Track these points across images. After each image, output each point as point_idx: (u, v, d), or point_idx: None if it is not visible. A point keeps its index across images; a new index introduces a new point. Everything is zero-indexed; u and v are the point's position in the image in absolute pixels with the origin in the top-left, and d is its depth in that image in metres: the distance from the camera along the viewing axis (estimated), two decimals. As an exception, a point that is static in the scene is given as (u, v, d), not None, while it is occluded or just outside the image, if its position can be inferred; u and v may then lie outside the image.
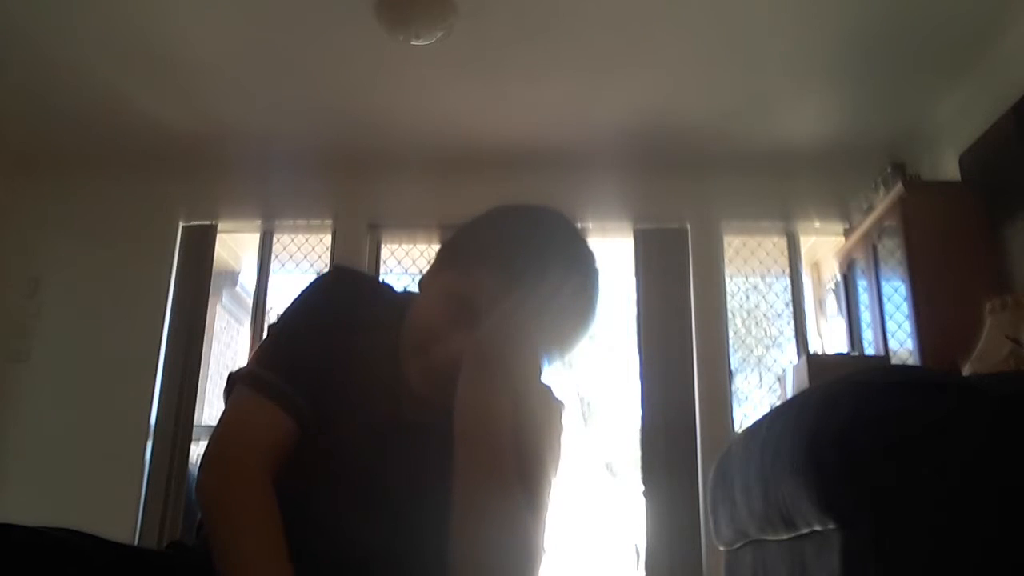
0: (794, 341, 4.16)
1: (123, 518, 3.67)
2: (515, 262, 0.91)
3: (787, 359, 4.19)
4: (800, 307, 4.22)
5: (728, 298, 4.11)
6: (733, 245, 4.32)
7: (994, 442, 1.02)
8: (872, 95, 3.59)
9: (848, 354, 3.62)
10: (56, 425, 3.86)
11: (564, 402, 1.07)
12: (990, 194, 3.19)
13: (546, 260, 0.92)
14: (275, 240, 4.38)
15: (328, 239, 4.29)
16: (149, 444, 3.85)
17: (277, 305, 4.29)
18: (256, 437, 0.89)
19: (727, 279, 4.15)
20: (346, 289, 1.02)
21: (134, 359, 3.97)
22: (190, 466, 3.85)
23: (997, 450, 1.02)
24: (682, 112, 3.76)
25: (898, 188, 3.32)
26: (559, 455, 1.03)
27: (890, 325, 3.33)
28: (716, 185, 4.15)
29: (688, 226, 4.17)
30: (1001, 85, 3.14)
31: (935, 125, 3.71)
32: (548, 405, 1.04)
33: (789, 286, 4.26)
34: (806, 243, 4.38)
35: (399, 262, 4.38)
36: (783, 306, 4.30)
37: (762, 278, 4.43)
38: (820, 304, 4.55)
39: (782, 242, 4.32)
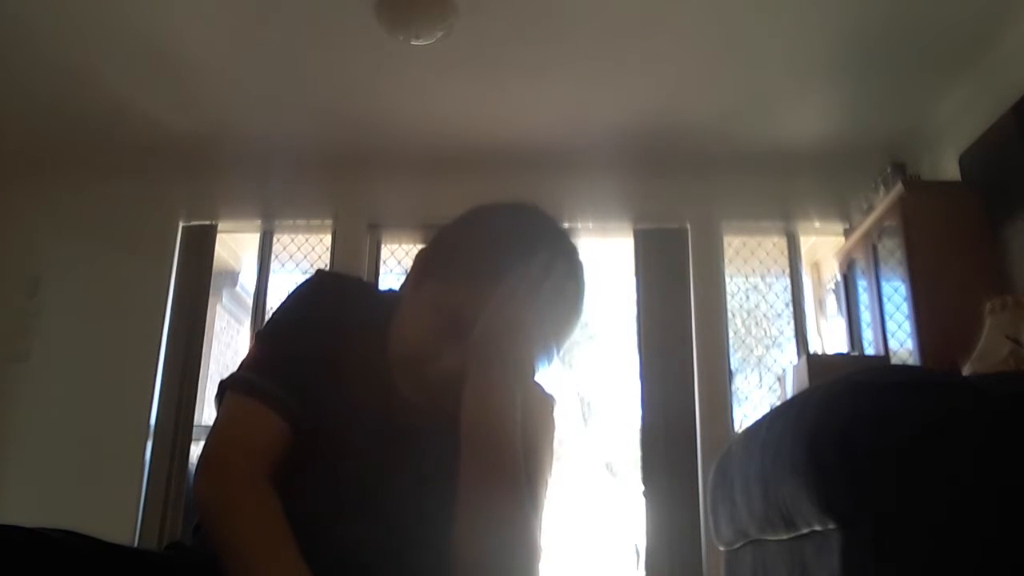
0: (794, 341, 4.16)
1: (123, 518, 3.67)
2: (502, 266, 0.91)
3: (787, 359, 4.19)
4: (800, 307, 4.22)
5: (728, 298, 4.11)
6: (733, 245, 4.32)
7: (994, 442, 1.02)
8: (872, 95, 3.59)
9: (848, 354, 3.62)
10: (56, 425, 3.86)
11: (555, 397, 1.07)
12: (990, 194, 3.19)
13: (532, 251, 0.92)
14: (275, 240, 4.38)
15: (328, 239, 4.29)
16: (149, 444, 3.85)
17: (275, 306, 4.29)
18: (249, 440, 0.89)
19: (727, 279, 4.15)
20: (331, 290, 1.02)
21: (134, 359, 3.97)
22: (190, 466, 3.85)
23: (997, 450, 1.02)
24: (682, 112, 3.76)
25: (898, 188, 3.32)
26: (553, 451, 1.04)
27: (890, 325, 3.33)
28: (716, 185, 4.15)
29: (688, 226, 4.17)
30: (1001, 85, 3.14)
31: (935, 125, 3.71)
32: (542, 401, 1.05)
33: (789, 286, 4.26)
34: (806, 243, 4.38)
35: (399, 262, 4.38)
36: (783, 306, 4.30)
37: (762, 278, 4.43)
38: (820, 304, 4.55)
39: (782, 242, 4.32)
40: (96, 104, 3.68)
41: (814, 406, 1.19)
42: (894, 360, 3.25)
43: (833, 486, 1.08)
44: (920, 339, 3.06)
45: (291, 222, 4.34)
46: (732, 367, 4.00)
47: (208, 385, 4.54)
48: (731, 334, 4.08)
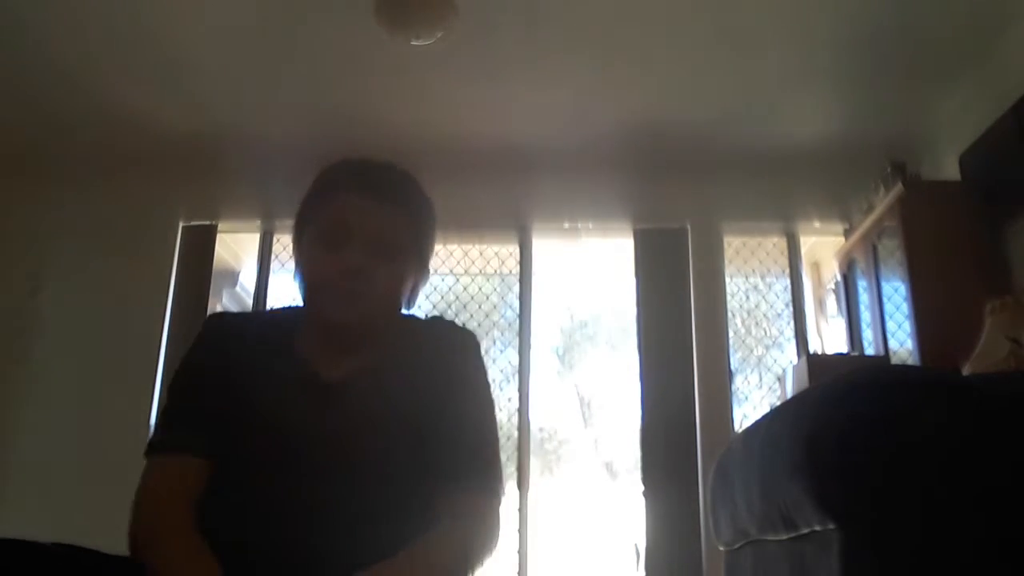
0: (794, 341, 4.16)
1: (123, 519, 3.67)
2: (328, 180, 1.17)
3: (787, 359, 4.19)
4: (800, 307, 4.22)
5: (728, 298, 4.11)
6: (733, 245, 4.32)
7: (994, 442, 1.02)
8: (872, 95, 3.59)
9: (848, 354, 3.62)
10: (56, 425, 3.86)
11: (472, 332, 1.22)
12: (990, 194, 3.19)
13: (346, 165, 1.18)
14: (275, 240, 4.38)
15: (328, 239, 4.28)
16: (149, 444, 3.84)
17: (277, 305, 4.28)
18: (159, 492, 1.06)
19: (727, 279, 4.15)
20: (213, 326, 1.19)
21: (134, 359, 3.97)
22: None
23: (997, 450, 1.02)
24: (682, 112, 3.75)
25: (898, 188, 3.32)
26: (482, 373, 1.18)
27: (890, 325, 3.33)
28: (716, 185, 4.15)
29: (688, 226, 4.17)
30: (1001, 85, 3.13)
31: (935, 125, 3.70)
32: (461, 333, 1.20)
33: (789, 286, 4.26)
34: (806, 243, 4.38)
35: (399, 262, 4.37)
36: (783, 306, 4.30)
37: (762, 278, 4.43)
38: (820, 304, 4.55)
39: (782, 242, 4.32)
40: (96, 104, 3.68)
41: (814, 406, 1.19)
42: (894, 360, 3.25)
43: (833, 486, 1.08)
44: (920, 339, 3.06)
45: (291, 222, 4.29)
46: (732, 367, 4.00)
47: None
48: (731, 334, 4.08)
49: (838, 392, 1.15)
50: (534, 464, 3.95)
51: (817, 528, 1.15)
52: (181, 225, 4.22)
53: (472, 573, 1.00)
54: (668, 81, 3.52)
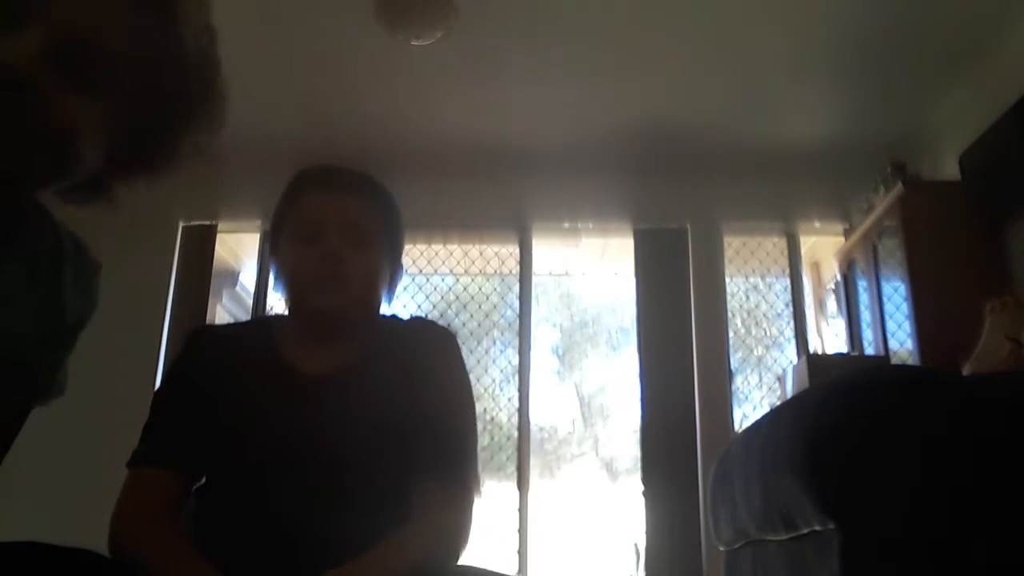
0: (794, 341, 4.16)
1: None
2: (295, 185, 1.28)
3: (787, 359, 4.19)
4: (800, 307, 4.22)
5: (728, 298, 4.11)
6: (733, 245, 4.32)
7: (993, 442, 1.02)
8: (872, 95, 3.59)
9: (848, 354, 3.62)
10: (55, 425, 3.85)
11: (451, 329, 1.23)
12: (990, 194, 3.19)
13: (309, 170, 1.30)
14: (275, 240, 4.38)
15: (328, 239, 4.28)
16: (149, 444, 3.84)
17: (277, 305, 4.29)
18: (137, 502, 1.09)
19: (727, 279, 4.15)
20: (193, 338, 1.22)
21: (134, 359, 3.97)
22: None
23: (997, 450, 1.02)
24: (682, 112, 3.75)
25: (898, 188, 3.32)
26: (460, 371, 1.18)
27: (890, 325, 3.33)
28: (716, 185, 4.15)
29: (688, 226, 4.17)
30: (1001, 85, 3.14)
31: (935, 125, 3.71)
32: (440, 332, 1.20)
33: (789, 286, 4.26)
34: (806, 243, 4.38)
35: (399, 261, 4.38)
36: (783, 306, 4.30)
37: (762, 278, 4.43)
38: (820, 304, 4.55)
39: (782, 242, 4.32)
40: (96, 104, 3.68)
41: (814, 406, 1.19)
42: (894, 360, 3.25)
43: (833, 486, 1.08)
44: (920, 339, 3.06)
45: (291, 222, 4.33)
46: (732, 367, 4.01)
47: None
48: (731, 334, 4.08)
49: (838, 393, 1.15)
50: (534, 464, 3.95)
51: (817, 528, 1.15)
52: (181, 225, 4.22)
53: (444, 564, 1.00)
54: (668, 81, 3.52)
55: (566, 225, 4.27)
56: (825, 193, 4.15)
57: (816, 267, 4.64)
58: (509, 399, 4.03)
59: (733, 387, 3.99)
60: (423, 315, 1.32)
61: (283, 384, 1.11)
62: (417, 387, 1.11)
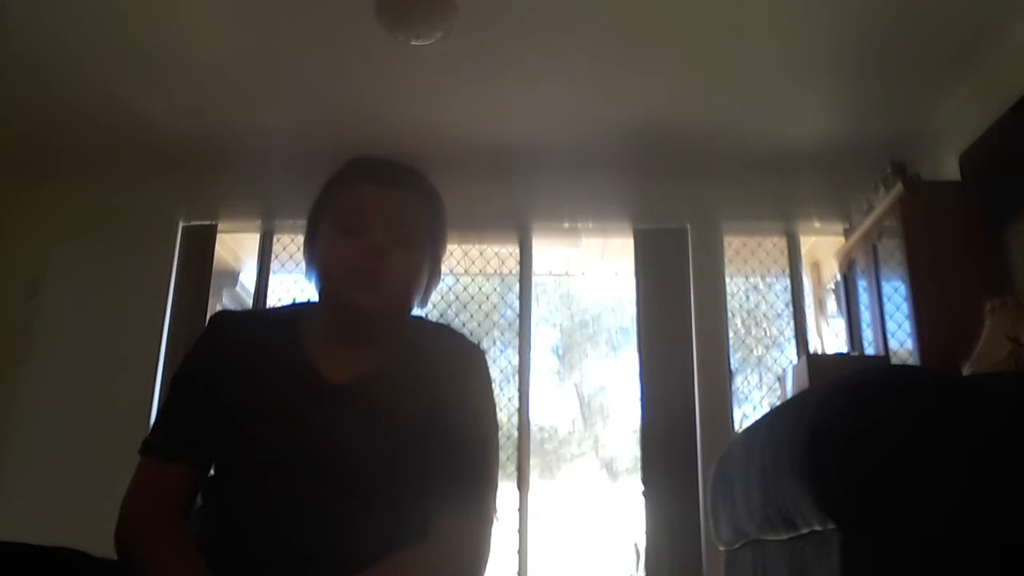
0: (794, 341, 4.16)
1: (123, 518, 3.67)
2: (341, 175, 1.19)
3: (787, 359, 4.19)
4: (800, 307, 4.22)
5: (728, 298, 4.11)
6: (733, 245, 4.32)
7: (994, 443, 1.02)
8: (872, 95, 3.59)
9: (848, 354, 3.62)
10: (56, 425, 3.86)
11: (480, 346, 1.19)
12: (990, 194, 3.19)
13: (357, 160, 1.20)
14: (275, 240, 4.38)
15: (328, 239, 4.27)
16: (149, 444, 3.83)
17: (279, 304, 4.28)
18: (147, 495, 1.06)
19: (727, 279, 4.15)
20: (216, 325, 1.17)
21: (134, 359, 3.97)
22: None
23: (997, 450, 1.02)
24: (682, 112, 3.75)
25: (898, 188, 3.32)
26: (488, 390, 1.15)
27: (890, 325, 3.33)
28: (716, 185, 4.15)
29: (688, 226, 4.17)
30: (1001, 85, 3.13)
31: (935, 125, 3.70)
32: (470, 349, 1.16)
33: (789, 286, 4.26)
34: (806, 243, 4.38)
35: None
36: (783, 306, 4.30)
37: (762, 278, 4.43)
38: (820, 304, 4.55)
39: (782, 242, 4.32)
40: (96, 105, 3.68)
41: (814, 406, 1.19)
42: (894, 360, 3.25)
43: (833, 486, 1.08)
44: (920, 339, 3.06)
45: (291, 222, 4.33)
46: (732, 367, 4.00)
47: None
48: (731, 334, 4.08)
49: (838, 392, 1.15)
50: (534, 464, 3.95)
51: (817, 528, 1.15)
52: (181, 225, 4.22)
53: None
54: (668, 81, 3.52)
55: (566, 225, 4.27)
56: (825, 193, 4.15)
57: (816, 267, 4.64)
58: (509, 399, 4.03)
59: (733, 387, 3.99)
60: (448, 323, 1.27)
61: (302, 387, 1.08)
62: (441, 408, 1.08)
